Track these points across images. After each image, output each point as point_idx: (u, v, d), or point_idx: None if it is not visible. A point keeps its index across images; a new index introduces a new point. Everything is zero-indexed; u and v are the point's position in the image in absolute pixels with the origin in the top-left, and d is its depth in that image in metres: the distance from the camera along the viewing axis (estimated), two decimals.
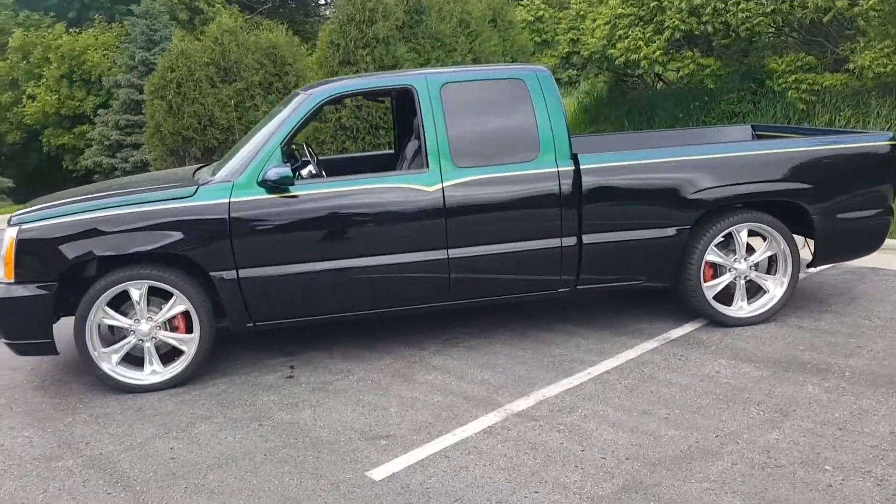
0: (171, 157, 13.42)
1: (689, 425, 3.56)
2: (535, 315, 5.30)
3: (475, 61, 12.13)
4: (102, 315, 4.28)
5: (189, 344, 4.38)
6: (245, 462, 3.47)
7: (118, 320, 4.31)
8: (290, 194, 4.32)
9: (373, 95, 5.24)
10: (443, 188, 4.42)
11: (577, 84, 16.87)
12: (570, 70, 16.93)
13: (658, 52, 10.32)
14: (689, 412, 3.69)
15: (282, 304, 4.46)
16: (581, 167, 4.56)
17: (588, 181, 4.55)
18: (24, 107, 21.16)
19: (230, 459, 3.50)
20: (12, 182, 19.98)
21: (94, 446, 3.72)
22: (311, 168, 4.80)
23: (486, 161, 4.53)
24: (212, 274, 4.29)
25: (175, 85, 13.12)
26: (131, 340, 4.35)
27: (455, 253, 4.50)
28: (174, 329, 4.41)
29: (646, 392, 3.96)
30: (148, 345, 4.36)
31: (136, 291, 4.27)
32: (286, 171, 4.21)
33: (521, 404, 3.91)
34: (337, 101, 4.68)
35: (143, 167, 16.74)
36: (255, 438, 3.69)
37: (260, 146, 4.39)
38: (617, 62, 11.19)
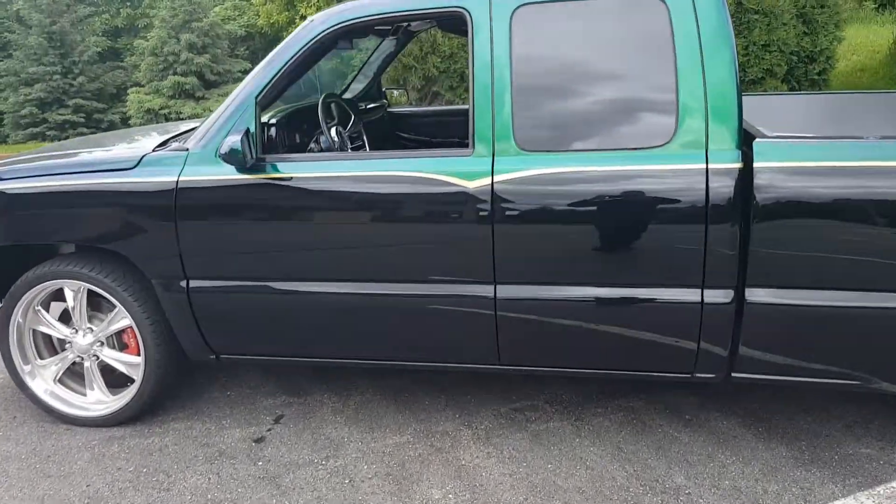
0: (392, 84, 12.53)
1: None
2: (681, 388, 3.29)
3: None
4: (33, 319, 3.21)
5: (137, 370, 3.16)
6: None
7: (52, 327, 3.22)
8: (271, 175, 2.80)
9: (409, 21, 3.41)
10: (492, 184, 2.60)
11: None
12: None
13: None
14: None
15: (246, 335, 3.04)
16: (756, 164, 2.43)
17: (769, 191, 2.42)
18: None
19: None
20: None
21: None
22: (334, 132, 3.23)
23: (574, 143, 2.59)
24: (153, 281, 2.99)
25: None
26: (68, 355, 3.24)
27: (507, 291, 2.69)
28: (123, 347, 3.22)
29: None
30: (88, 364, 3.22)
31: (71, 292, 3.12)
32: (235, 140, 2.69)
33: None
34: (352, 31, 2.90)
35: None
36: None
37: (229, 101, 2.91)
38: None
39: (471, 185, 2.62)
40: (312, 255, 2.83)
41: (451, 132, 4.17)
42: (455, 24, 3.05)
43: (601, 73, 2.61)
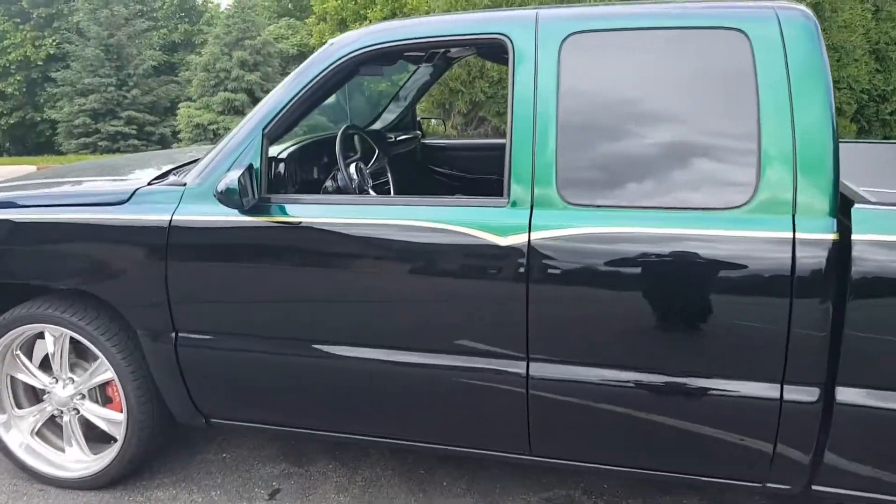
0: (437, 109, 12.22)
1: None
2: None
3: None
4: (11, 364, 2.89)
5: (120, 429, 2.80)
6: None
7: (29, 374, 2.88)
8: (275, 219, 2.42)
9: (442, 48, 3.02)
10: (528, 242, 2.17)
11: None
12: None
13: None
14: None
15: (239, 399, 2.66)
16: (855, 236, 1.96)
17: (869, 268, 1.95)
18: None
19: None
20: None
21: None
22: (353, 169, 2.85)
23: (629, 199, 2.15)
24: (138, 332, 2.64)
25: None
26: (46, 407, 2.90)
27: (541, 370, 2.26)
28: (108, 401, 2.86)
29: None
30: (67, 418, 2.87)
31: (52, 338, 2.78)
32: (232, 179, 2.32)
33: None
34: (378, 57, 2.47)
35: None
36: None
37: (234, 132, 2.55)
38: None
39: (503, 241, 2.20)
40: (317, 314, 2.45)
41: (488, 167, 3.77)
42: (495, 52, 2.66)
43: (666, 115, 2.17)
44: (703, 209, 2.08)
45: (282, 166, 2.65)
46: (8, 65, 23.26)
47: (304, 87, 2.45)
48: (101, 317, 2.69)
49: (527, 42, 2.24)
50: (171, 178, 2.65)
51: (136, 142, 21.63)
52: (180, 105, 20.23)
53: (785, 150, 2.03)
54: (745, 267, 2.03)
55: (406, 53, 2.96)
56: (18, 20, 23.55)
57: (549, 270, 2.17)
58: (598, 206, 2.16)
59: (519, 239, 2.18)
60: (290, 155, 2.77)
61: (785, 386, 2.08)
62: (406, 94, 3.79)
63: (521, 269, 2.18)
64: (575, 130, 2.18)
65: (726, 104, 2.11)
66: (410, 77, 3.73)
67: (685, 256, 2.07)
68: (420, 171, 3.86)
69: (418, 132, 3.94)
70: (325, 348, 2.46)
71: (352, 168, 2.84)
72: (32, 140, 24.62)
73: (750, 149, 2.06)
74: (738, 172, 2.08)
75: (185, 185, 2.56)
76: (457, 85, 11.36)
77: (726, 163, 2.10)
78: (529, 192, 2.20)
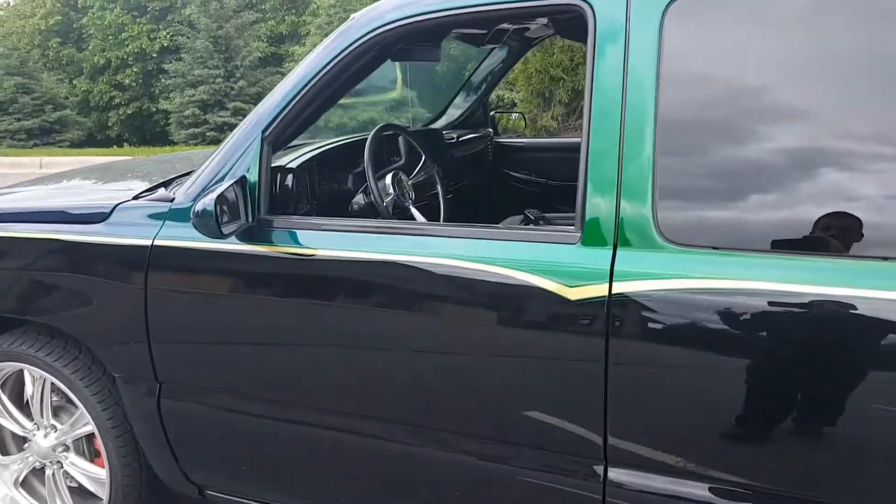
0: (537, 98, 11.45)
1: None
2: None
3: None
4: None
5: (103, 487, 2.31)
6: None
7: (9, 418, 2.43)
8: (277, 248, 1.84)
9: (499, 21, 2.30)
10: (609, 298, 1.49)
11: None
12: None
13: None
14: None
15: (234, 471, 2.11)
16: None
17: None
18: None
19: None
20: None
21: None
22: (389, 180, 2.24)
23: (762, 238, 1.43)
24: (117, 377, 2.12)
25: None
26: (27, 457, 2.45)
27: (624, 477, 1.57)
28: (95, 455, 2.38)
29: None
30: (50, 472, 2.41)
31: (30, 378, 2.32)
32: (209, 201, 1.75)
33: None
34: (413, 35, 1.81)
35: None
36: None
37: (228, 139, 1.99)
38: None
39: (572, 293, 1.53)
40: (329, 376, 1.86)
41: (573, 171, 3.08)
42: (573, 26, 1.98)
43: (821, 114, 1.44)
44: (883, 258, 1.34)
45: (290, 178, 2.06)
46: (126, 56, 24.08)
47: (315, 76, 1.85)
48: (80, 358, 2.20)
49: (614, 10, 1.55)
50: (160, 192, 2.11)
51: None
52: None
53: None
54: None
55: (457, 30, 2.31)
56: (136, 13, 24.34)
57: (638, 337, 1.48)
58: (714, 249, 1.45)
59: (595, 291, 1.51)
60: (306, 163, 2.18)
61: None
62: (476, 84, 3.14)
63: (598, 337, 1.50)
64: (682, 138, 1.49)
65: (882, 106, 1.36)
66: (480, 64, 3.08)
67: (853, 332, 1.34)
68: (491, 176, 3.20)
69: (489, 130, 3.28)
70: (338, 420, 1.87)
71: (388, 179, 2.22)
72: (149, 130, 25.46)
73: None
74: None
75: (171, 200, 2.02)
76: (557, 72, 10.56)
77: None
78: (612, 224, 1.52)
